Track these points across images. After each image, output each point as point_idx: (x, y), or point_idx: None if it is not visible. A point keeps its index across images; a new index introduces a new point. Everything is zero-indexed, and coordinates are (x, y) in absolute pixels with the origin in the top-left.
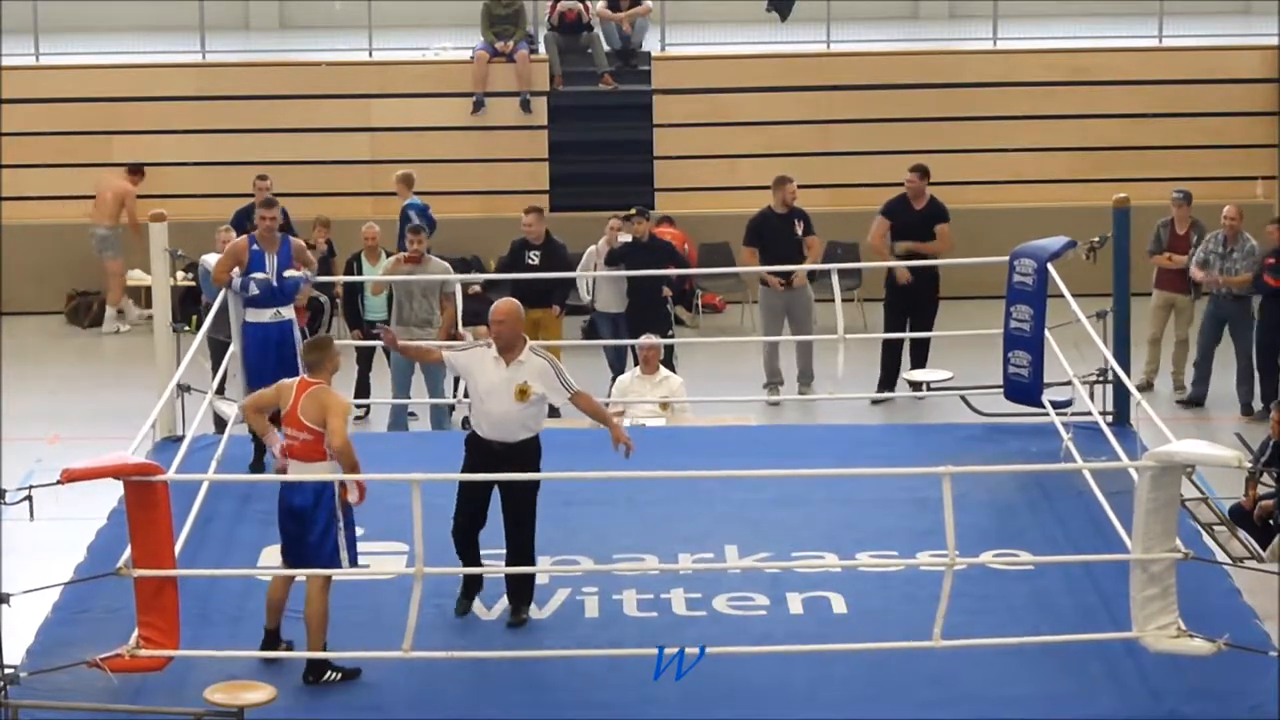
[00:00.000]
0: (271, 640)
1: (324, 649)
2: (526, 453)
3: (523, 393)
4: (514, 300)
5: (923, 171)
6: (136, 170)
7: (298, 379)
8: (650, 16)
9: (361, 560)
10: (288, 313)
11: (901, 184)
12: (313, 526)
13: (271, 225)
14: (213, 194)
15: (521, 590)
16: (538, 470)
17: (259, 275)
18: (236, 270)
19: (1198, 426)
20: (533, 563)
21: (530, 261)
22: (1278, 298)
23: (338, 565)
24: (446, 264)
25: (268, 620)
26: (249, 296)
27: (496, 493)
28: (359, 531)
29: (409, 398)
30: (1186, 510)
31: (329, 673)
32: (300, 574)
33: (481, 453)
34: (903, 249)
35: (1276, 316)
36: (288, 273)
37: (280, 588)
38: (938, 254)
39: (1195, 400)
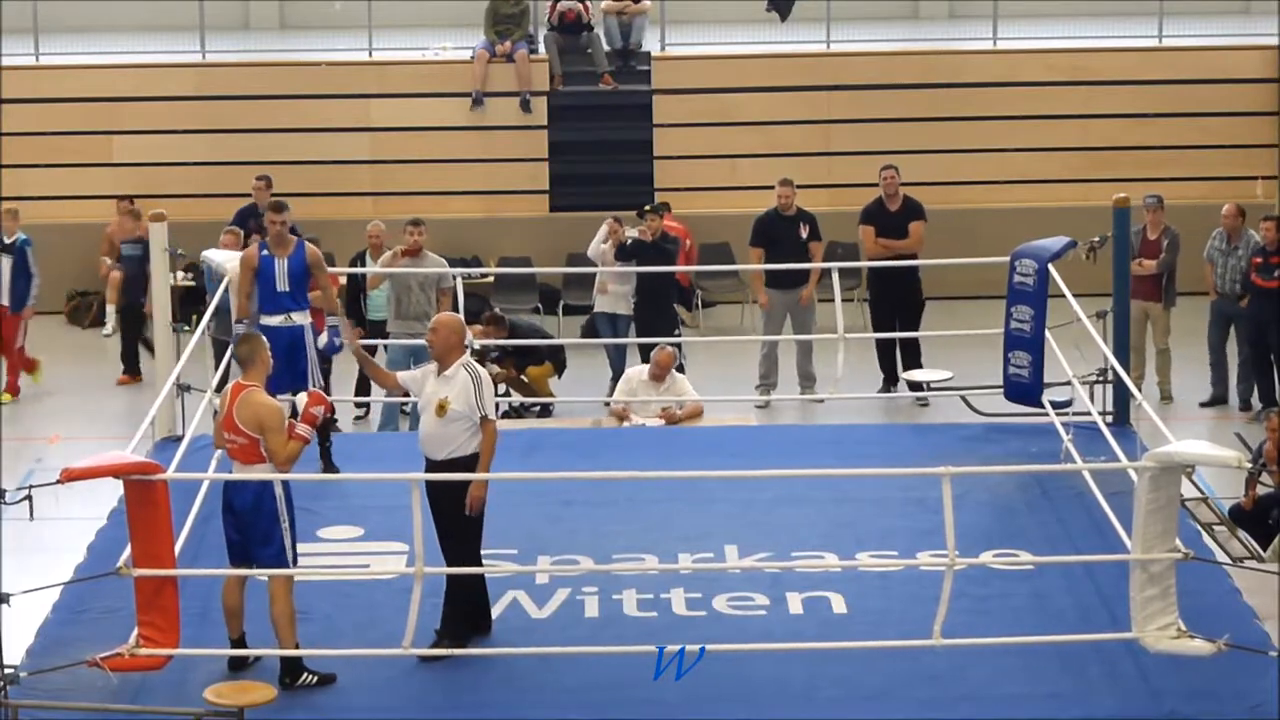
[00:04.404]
0: (240, 648)
1: (296, 648)
2: (453, 472)
3: (441, 408)
4: (455, 315)
5: (895, 169)
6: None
7: (232, 383)
8: (650, 16)
9: (361, 560)
10: (300, 318)
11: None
12: (255, 529)
13: (281, 230)
14: (213, 194)
15: (447, 616)
16: (463, 493)
17: (335, 340)
18: (328, 325)
19: (1197, 426)
20: (469, 591)
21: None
22: (1266, 297)
23: (286, 566)
24: (443, 259)
25: (230, 630)
26: (331, 351)
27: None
28: (359, 532)
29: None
30: (1186, 510)
31: (305, 675)
32: (252, 574)
33: (427, 469)
34: (877, 249)
35: (1266, 316)
36: (320, 341)
37: (234, 594)
38: (910, 251)
39: (1217, 400)
